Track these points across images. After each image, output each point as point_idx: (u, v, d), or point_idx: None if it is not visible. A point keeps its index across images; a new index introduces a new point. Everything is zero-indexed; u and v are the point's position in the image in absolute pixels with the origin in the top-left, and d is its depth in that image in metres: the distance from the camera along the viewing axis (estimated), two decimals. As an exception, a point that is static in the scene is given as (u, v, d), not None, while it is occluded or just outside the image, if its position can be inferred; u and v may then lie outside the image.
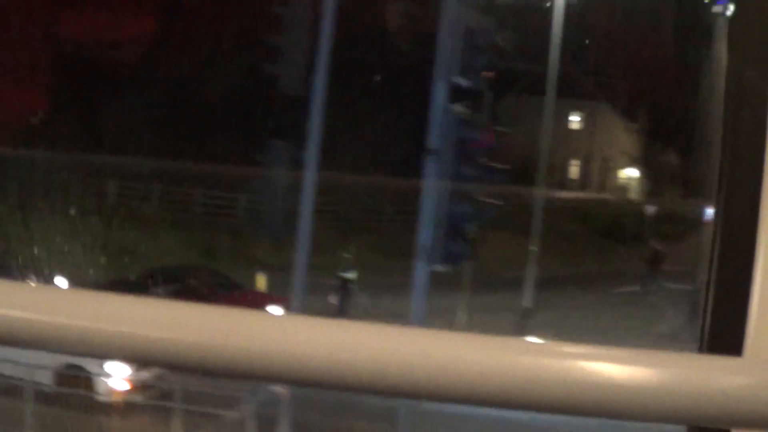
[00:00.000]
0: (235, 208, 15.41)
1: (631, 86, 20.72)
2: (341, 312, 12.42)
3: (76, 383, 9.15)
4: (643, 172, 21.04)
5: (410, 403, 7.87)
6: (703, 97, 15.19)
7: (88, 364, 8.85)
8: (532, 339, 0.75)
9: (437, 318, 11.33)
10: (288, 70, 10.43)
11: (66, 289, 1.46)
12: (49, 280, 9.67)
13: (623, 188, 21.37)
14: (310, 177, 10.10)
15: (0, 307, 0.74)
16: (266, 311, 0.80)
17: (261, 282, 11.96)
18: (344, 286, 13.13)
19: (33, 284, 1.69)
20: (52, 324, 0.74)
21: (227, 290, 11.79)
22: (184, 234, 13.95)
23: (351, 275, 13.27)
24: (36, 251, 10.36)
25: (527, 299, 14.18)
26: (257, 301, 11.27)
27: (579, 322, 13.29)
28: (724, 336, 1.00)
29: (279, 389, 8.60)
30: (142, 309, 0.75)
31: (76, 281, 9.74)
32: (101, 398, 9.29)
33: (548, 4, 16.24)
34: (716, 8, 14.28)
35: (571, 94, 18.74)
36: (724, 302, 1.01)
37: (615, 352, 0.71)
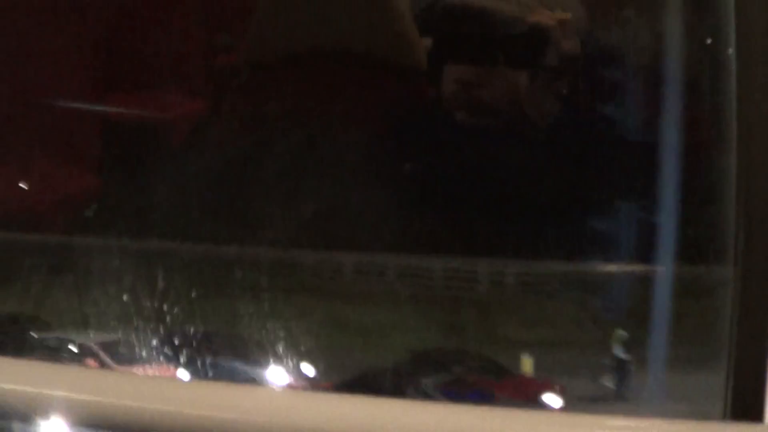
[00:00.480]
0: (476, 279, 15.04)
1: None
2: (618, 397, 11.78)
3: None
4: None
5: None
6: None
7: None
8: (566, 414, 0.81)
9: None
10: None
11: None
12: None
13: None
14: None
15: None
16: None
17: (527, 365, 11.00)
18: (620, 367, 12.37)
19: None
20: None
21: (495, 376, 11.09)
22: (421, 309, 13.55)
23: (626, 354, 12.55)
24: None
25: None
26: (532, 389, 10.60)
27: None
28: (747, 402, 1.04)
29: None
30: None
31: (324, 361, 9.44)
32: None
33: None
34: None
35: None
36: (746, 368, 1.05)
37: (642, 423, 0.76)
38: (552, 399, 1.51)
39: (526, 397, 1.73)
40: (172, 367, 1.65)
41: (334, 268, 1.85)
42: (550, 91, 1.79)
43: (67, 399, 1.07)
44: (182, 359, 1.65)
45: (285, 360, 1.52)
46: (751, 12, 1.11)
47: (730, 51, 1.13)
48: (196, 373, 1.64)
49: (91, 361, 1.72)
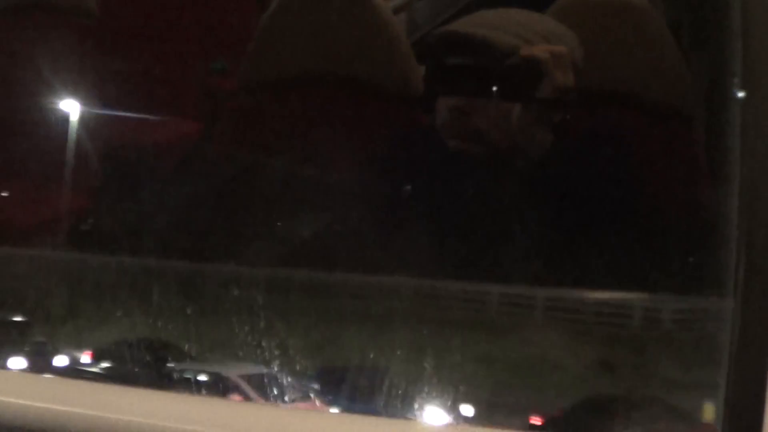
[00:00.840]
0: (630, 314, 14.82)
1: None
2: None
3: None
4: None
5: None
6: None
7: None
8: None
9: None
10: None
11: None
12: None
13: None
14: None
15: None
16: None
17: (709, 413, 10.56)
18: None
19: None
20: None
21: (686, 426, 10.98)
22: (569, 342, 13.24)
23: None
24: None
25: None
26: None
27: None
28: (744, 415, 1.03)
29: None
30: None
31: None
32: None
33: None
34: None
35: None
36: (743, 380, 1.04)
37: None
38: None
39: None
40: (321, 402, 1.56)
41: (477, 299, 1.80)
42: (545, 123, 1.80)
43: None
44: (330, 393, 1.57)
45: (437, 397, 1.45)
46: (755, 49, 1.11)
47: (734, 82, 1.13)
48: (344, 408, 1.57)
49: (234, 395, 1.59)
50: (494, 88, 1.78)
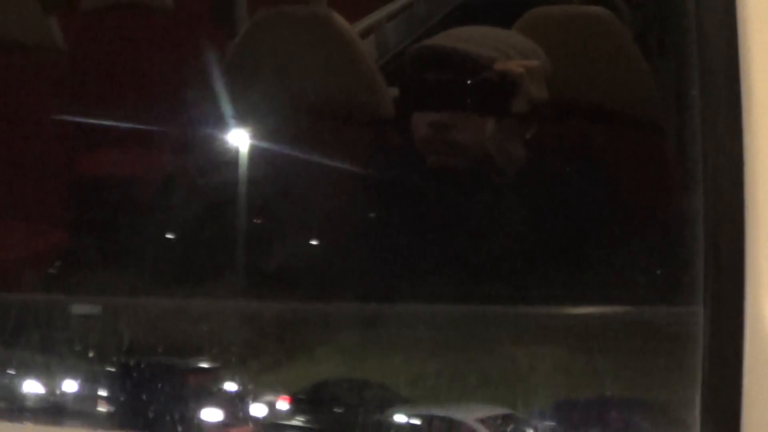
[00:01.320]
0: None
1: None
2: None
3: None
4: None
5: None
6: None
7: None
8: None
9: None
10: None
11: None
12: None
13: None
14: None
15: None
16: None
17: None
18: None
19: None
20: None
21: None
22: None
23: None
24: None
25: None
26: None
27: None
28: (720, 413, 1.04)
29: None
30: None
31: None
32: None
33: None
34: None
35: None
36: (718, 376, 1.05)
37: None
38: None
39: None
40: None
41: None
42: (519, 137, 1.81)
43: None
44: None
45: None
46: (714, 58, 1.13)
47: (694, 93, 1.14)
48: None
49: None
50: (472, 102, 1.80)
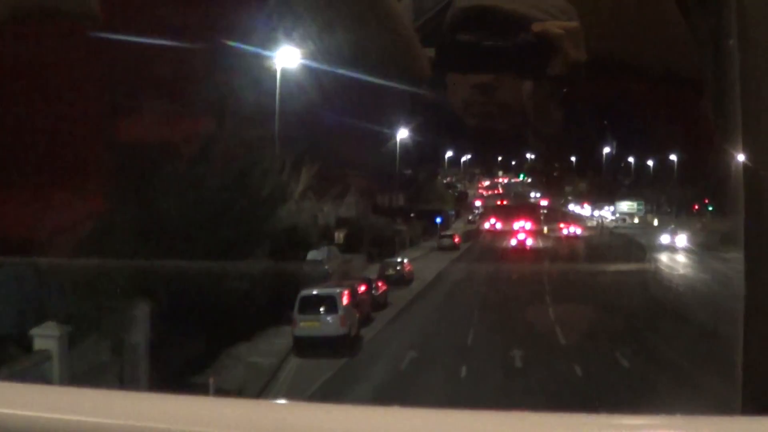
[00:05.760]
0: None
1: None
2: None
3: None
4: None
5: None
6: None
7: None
8: (586, 414, 0.82)
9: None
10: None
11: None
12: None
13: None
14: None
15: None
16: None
17: None
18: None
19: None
20: None
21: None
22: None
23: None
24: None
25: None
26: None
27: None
28: (763, 396, 1.04)
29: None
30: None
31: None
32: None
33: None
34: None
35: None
36: (761, 361, 1.05)
37: (669, 420, 0.77)
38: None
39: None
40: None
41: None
42: (559, 99, 1.82)
43: None
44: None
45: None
46: (753, 14, 1.12)
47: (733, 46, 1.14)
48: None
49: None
50: (514, 63, 1.81)
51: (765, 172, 1.04)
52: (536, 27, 13.87)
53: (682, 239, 25.52)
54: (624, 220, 31.32)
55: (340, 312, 14.59)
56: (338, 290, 15.33)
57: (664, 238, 26.81)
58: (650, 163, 28.82)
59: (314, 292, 15.16)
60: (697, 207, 26.93)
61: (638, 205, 31.37)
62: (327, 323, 14.41)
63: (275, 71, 16.91)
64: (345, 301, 14.97)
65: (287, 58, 17.20)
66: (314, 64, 16.90)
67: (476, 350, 13.64)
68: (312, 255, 19.19)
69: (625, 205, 31.48)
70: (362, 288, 17.22)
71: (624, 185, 30.36)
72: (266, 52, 16.61)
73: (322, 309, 14.63)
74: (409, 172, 23.97)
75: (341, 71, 16.16)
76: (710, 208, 26.03)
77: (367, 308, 16.77)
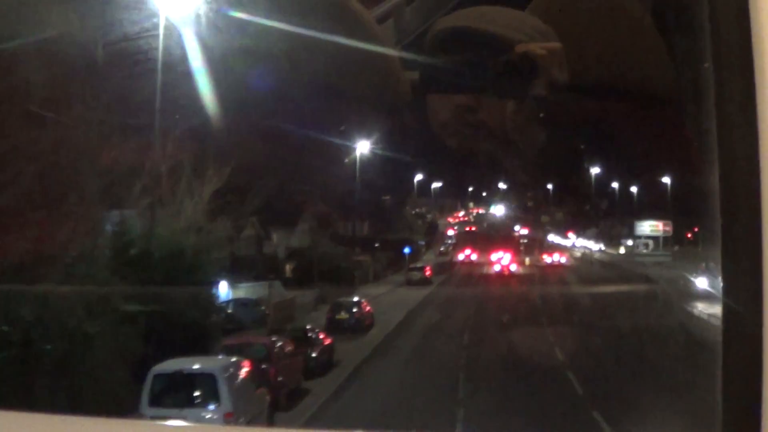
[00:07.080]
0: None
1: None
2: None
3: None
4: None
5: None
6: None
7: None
8: None
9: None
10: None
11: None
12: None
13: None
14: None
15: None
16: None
17: None
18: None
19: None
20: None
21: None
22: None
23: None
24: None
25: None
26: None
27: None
28: (742, 416, 1.04)
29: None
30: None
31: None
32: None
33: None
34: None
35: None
36: (738, 382, 1.05)
37: None
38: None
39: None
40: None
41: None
42: (541, 119, 1.82)
43: None
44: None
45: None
46: (728, 33, 1.14)
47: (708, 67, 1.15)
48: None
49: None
50: (497, 84, 1.79)
51: (739, 190, 1.06)
52: (519, 48, 13.81)
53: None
54: (647, 245, 22.78)
55: (225, 402, 8.28)
56: (223, 363, 9.31)
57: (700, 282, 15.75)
58: (634, 189, 26.07)
59: (177, 368, 8.74)
60: (690, 236, 22.79)
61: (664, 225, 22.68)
62: (201, 420, 8.22)
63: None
64: (239, 377, 9.06)
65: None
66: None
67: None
68: (245, 292, 15.03)
69: (647, 226, 22.58)
70: (288, 347, 11.36)
71: (602, 210, 27.81)
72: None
73: (196, 394, 8.52)
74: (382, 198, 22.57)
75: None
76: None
77: (295, 379, 10.89)
